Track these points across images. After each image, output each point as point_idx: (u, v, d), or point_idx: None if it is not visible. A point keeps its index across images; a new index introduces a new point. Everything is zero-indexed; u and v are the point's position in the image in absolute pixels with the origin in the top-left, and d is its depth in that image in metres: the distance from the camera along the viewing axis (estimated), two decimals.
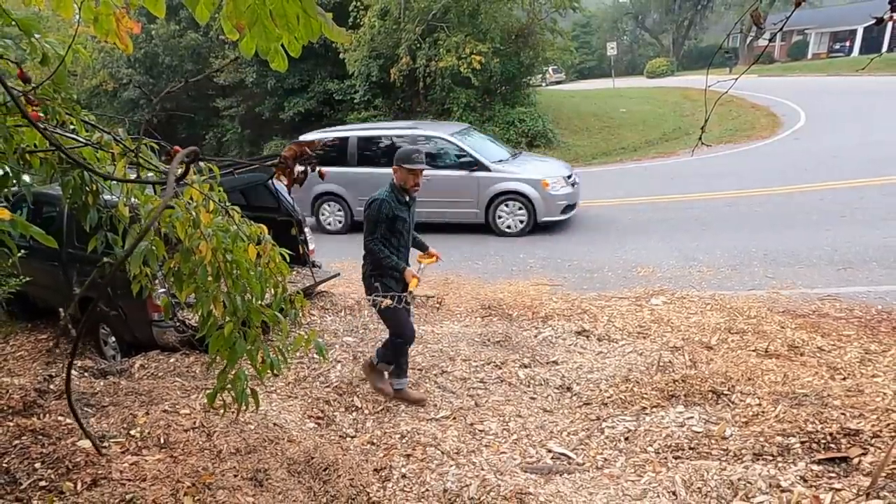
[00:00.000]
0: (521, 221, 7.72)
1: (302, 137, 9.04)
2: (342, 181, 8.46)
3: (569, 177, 7.85)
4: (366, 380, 3.82)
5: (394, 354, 3.51)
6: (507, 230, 7.79)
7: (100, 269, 2.33)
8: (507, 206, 7.76)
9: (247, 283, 1.98)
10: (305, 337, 2.10)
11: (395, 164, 3.28)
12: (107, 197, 2.23)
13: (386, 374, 3.67)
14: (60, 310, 4.74)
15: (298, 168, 1.46)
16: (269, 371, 2.08)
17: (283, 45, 1.48)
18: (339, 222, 8.87)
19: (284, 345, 2.11)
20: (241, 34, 1.43)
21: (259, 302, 2.03)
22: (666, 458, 2.83)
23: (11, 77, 1.82)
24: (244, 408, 2.04)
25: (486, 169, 7.79)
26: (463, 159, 7.91)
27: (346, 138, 8.57)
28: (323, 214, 8.94)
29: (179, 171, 1.49)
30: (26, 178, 2.09)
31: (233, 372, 2.01)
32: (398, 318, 3.41)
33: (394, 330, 3.46)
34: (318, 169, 1.53)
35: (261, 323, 2.03)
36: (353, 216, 8.68)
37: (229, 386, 2.01)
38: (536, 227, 7.73)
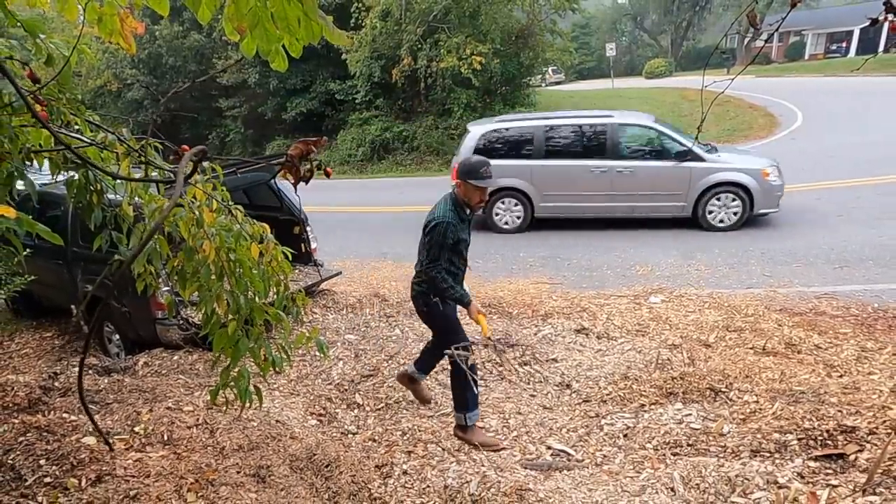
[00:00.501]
0: (735, 214, 7.07)
1: (472, 125, 8.28)
2: (525, 175, 7.61)
3: (777, 167, 7.32)
4: (368, 377, 3.85)
5: (460, 378, 3.10)
6: (718, 224, 7.15)
7: (109, 268, 2.35)
8: (719, 198, 7.09)
9: (250, 281, 2.01)
10: (307, 335, 2.13)
11: (458, 179, 3.02)
12: (111, 196, 2.26)
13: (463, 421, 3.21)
14: (73, 307, 4.79)
15: (304, 166, 1.49)
16: (271, 368, 2.11)
17: (283, 46, 1.50)
18: (518, 218, 7.88)
19: (287, 342, 2.14)
20: (241, 36, 1.46)
21: (262, 300, 2.06)
22: (664, 455, 2.86)
23: (19, 77, 1.84)
24: (247, 405, 2.07)
25: (700, 159, 7.12)
26: (673, 149, 7.22)
27: (532, 128, 7.75)
28: (497, 213, 7.94)
29: (187, 170, 1.52)
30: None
31: (236, 369, 2.04)
32: (452, 330, 3.14)
33: (448, 345, 3.05)
34: (324, 168, 1.55)
35: (263, 321, 2.06)
36: (533, 213, 7.81)
37: (232, 383, 2.04)
38: (749, 220, 7.15)
